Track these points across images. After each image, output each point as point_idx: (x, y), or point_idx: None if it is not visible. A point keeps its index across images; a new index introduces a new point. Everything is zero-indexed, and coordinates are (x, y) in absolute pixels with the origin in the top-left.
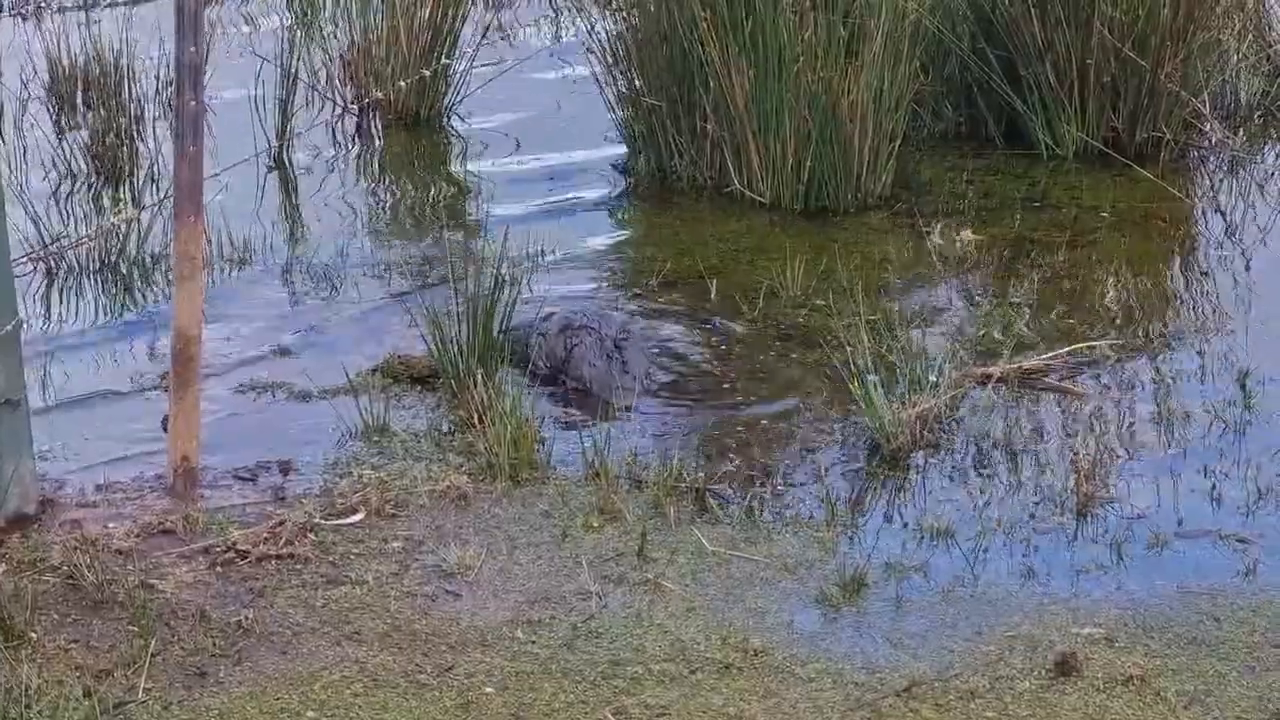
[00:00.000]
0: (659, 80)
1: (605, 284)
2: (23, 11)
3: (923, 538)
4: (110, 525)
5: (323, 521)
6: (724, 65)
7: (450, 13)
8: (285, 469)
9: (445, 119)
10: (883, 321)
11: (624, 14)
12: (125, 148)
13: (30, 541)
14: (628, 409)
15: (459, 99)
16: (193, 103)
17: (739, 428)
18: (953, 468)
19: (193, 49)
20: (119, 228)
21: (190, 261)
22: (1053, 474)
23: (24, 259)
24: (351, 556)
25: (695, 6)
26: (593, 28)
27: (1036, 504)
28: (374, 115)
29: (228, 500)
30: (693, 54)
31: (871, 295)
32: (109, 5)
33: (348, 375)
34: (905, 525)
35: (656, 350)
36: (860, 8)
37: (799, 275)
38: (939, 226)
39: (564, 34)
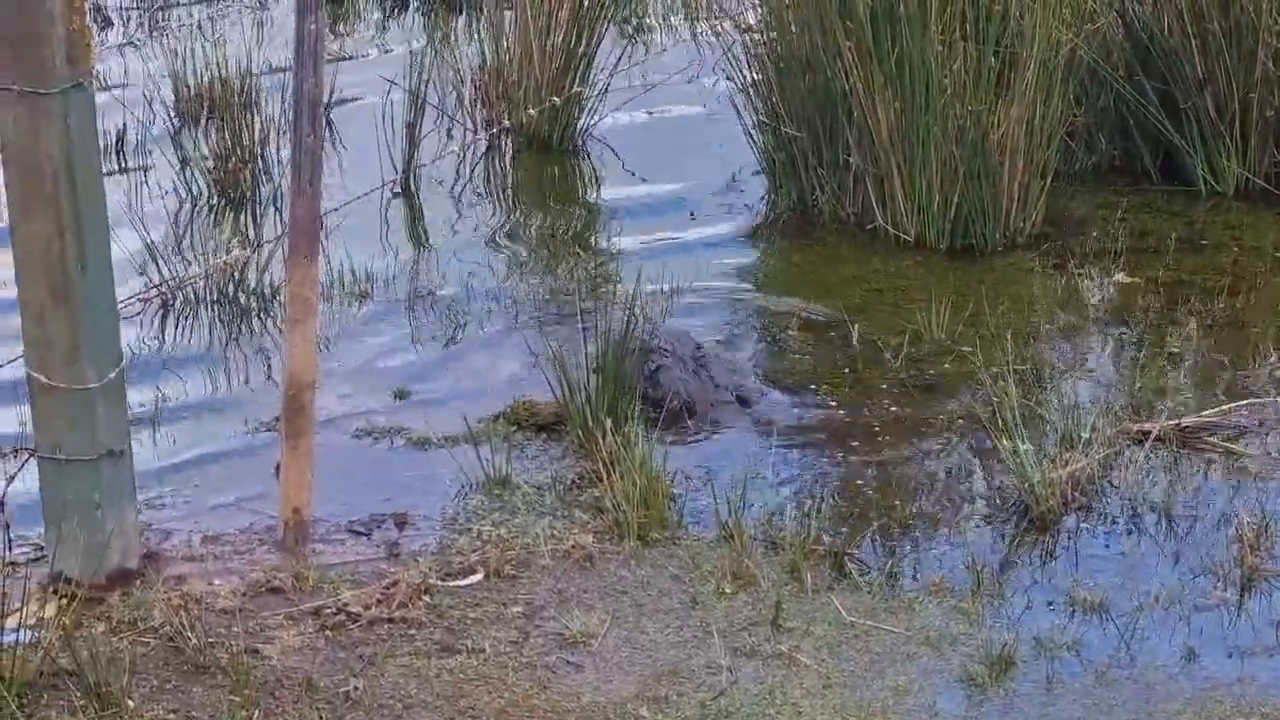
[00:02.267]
0: (801, 110)
1: (742, 325)
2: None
3: (1074, 611)
4: (216, 582)
5: (439, 582)
6: (868, 96)
7: (585, 35)
8: (401, 523)
9: (579, 144)
10: (1031, 371)
11: (764, 41)
12: (248, 171)
13: (131, 599)
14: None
15: (593, 122)
16: (310, 137)
17: (880, 483)
18: (1106, 534)
19: (312, 80)
20: (231, 266)
21: (304, 303)
22: (1215, 543)
23: (132, 300)
24: (468, 621)
25: (839, 35)
26: (732, 54)
27: (1197, 576)
28: (504, 140)
29: (340, 556)
30: (836, 84)
31: (1020, 341)
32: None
33: (467, 422)
34: (1055, 597)
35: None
36: (1012, 37)
37: (944, 319)
38: (1091, 268)
39: (703, 59)
